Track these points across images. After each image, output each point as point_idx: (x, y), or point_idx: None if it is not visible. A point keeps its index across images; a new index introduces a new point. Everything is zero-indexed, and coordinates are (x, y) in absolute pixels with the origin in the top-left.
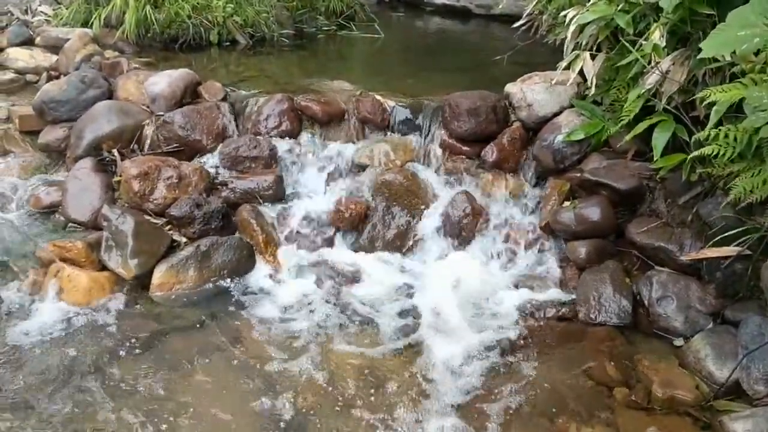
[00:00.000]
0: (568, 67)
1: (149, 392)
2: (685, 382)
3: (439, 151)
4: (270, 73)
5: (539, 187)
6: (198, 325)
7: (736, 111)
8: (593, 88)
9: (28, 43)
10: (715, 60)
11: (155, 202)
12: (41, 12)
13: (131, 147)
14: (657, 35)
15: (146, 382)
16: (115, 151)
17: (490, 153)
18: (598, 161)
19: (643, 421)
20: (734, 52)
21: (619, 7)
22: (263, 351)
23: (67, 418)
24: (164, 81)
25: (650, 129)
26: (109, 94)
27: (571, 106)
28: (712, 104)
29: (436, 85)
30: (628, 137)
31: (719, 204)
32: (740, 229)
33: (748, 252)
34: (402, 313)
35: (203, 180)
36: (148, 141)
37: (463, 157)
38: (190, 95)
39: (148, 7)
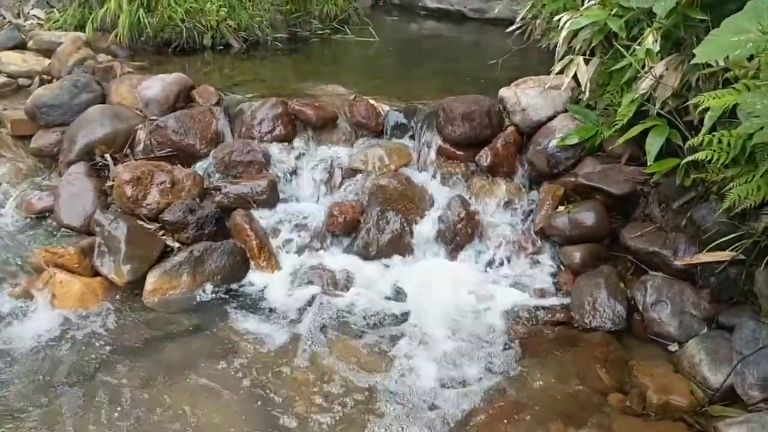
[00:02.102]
0: (561, 72)
1: (142, 398)
2: (679, 388)
3: (433, 156)
4: (264, 77)
5: (533, 191)
6: (191, 331)
7: (729, 116)
8: (587, 93)
9: (20, 47)
10: (709, 65)
11: (148, 207)
12: (34, 16)
13: (124, 152)
14: (650, 40)
15: (139, 387)
16: (108, 156)
17: (485, 157)
18: (592, 166)
19: (638, 426)
20: (727, 58)
21: (612, 12)
22: (256, 356)
23: (59, 425)
24: (158, 85)
25: (644, 133)
26: (102, 99)
27: (565, 110)
28: (706, 109)
29: (430, 89)
30: (621, 141)
31: (713, 209)
32: (734, 234)
33: (742, 257)
34: (395, 319)
35: (196, 185)
36: (141, 145)
37: (458, 161)
38: (183, 99)
39: (141, 11)
